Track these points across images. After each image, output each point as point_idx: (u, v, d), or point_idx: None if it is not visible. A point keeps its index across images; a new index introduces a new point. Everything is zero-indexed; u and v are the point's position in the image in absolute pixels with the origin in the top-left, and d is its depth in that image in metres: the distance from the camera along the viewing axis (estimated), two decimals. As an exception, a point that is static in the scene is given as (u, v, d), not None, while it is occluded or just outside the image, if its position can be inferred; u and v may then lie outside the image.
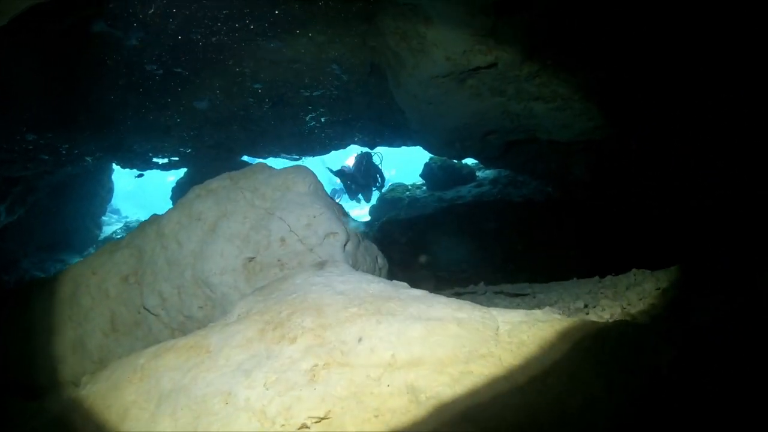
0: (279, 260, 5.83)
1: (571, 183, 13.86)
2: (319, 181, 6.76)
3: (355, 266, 6.21)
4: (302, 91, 13.32)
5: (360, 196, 20.01)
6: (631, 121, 10.47)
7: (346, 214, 7.25)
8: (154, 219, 6.95)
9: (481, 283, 8.99)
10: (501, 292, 8.08)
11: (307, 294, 4.21)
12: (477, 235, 10.16)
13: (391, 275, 7.42)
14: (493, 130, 11.85)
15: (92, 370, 6.40)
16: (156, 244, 6.56)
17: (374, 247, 7.14)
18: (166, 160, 17.60)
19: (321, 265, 5.28)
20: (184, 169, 19.81)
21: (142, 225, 7.06)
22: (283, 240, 5.91)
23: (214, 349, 3.87)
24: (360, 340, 3.43)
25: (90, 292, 6.65)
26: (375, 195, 19.88)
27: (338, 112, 14.70)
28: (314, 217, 6.04)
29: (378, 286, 4.31)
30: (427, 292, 4.31)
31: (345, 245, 6.07)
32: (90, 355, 6.47)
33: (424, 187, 19.62)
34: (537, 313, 3.65)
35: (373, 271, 6.75)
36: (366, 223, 18.17)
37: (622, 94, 9.80)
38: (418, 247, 10.53)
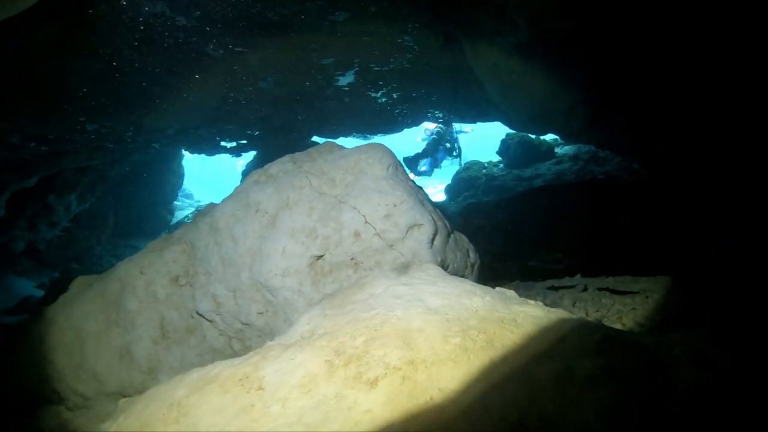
0: (353, 259, 4.76)
1: (658, 158, 12.50)
2: (399, 162, 5.63)
3: (444, 264, 5.11)
4: (372, 65, 12.20)
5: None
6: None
7: (430, 201, 6.11)
8: (209, 209, 5.93)
9: (578, 275, 7.82)
10: (606, 289, 6.90)
11: (390, 312, 3.13)
12: (569, 220, 8.93)
13: (481, 270, 6.35)
14: (581, 101, 10.55)
15: (141, 380, 5.50)
16: (209, 240, 5.54)
17: (464, 238, 6.01)
18: (234, 144, 16.77)
19: (405, 268, 4.18)
20: (254, 153, 18.93)
21: (196, 217, 6.06)
22: (357, 234, 4.84)
23: (268, 386, 2.85)
24: (466, 390, 2.32)
25: (137, 294, 5.69)
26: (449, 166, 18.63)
27: (410, 87, 13.54)
28: (395, 205, 4.94)
29: (483, 300, 3.21)
30: (546, 309, 3.15)
31: (433, 240, 4.96)
32: (138, 364, 5.54)
33: (501, 165, 18.41)
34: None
35: (464, 269, 5.62)
36: (443, 204, 17.07)
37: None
38: (505, 234, 9.35)
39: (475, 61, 10.34)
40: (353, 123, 15.43)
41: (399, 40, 11.29)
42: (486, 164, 18.87)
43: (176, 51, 10.55)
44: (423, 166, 17.66)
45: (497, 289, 3.71)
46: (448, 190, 18.50)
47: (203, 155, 18.24)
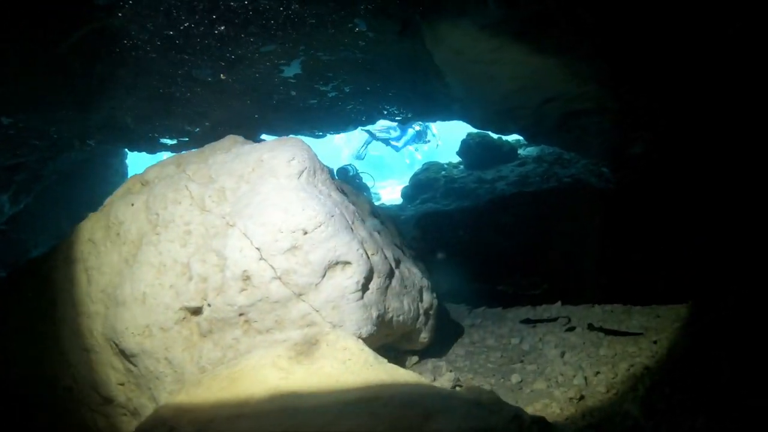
0: (242, 314, 3.07)
1: (630, 162, 10.95)
2: (321, 165, 3.84)
3: (384, 320, 3.37)
4: (320, 54, 10.37)
5: None
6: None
7: (375, 213, 4.35)
8: (73, 230, 4.05)
9: (558, 303, 6.15)
10: (600, 329, 5.24)
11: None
12: (547, 236, 7.19)
13: (440, 304, 4.66)
14: (554, 98, 8.96)
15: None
16: (63, 273, 3.68)
17: (416, 272, 4.28)
18: (175, 141, 14.84)
19: (309, 346, 2.44)
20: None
21: (59, 244, 4.19)
22: (247, 277, 3.05)
23: None
24: None
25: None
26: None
27: (364, 80, 11.77)
28: (305, 232, 3.25)
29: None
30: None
31: (365, 286, 3.20)
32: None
33: (461, 167, 16.77)
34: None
35: (415, 321, 3.96)
36: (398, 208, 15.34)
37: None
38: (470, 251, 7.59)
39: (436, 48, 8.64)
40: (302, 119, 13.59)
41: (350, 25, 9.51)
42: (445, 165, 17.30)
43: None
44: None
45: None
46: (405, 192, 16.79)
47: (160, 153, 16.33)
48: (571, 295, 6.43)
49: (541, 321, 6.17)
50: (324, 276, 3.36)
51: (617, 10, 6.84)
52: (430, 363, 5.56)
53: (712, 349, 4.34)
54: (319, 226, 3.36)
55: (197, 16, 9.10)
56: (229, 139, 4.19)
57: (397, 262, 4.17)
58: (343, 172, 18.37)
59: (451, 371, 5.18)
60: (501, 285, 6.79)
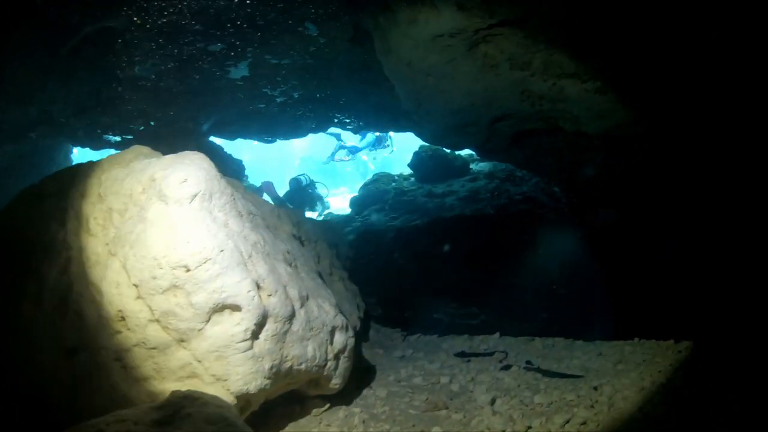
0: (118, 359, 2.47)
1: (580, 183, 10.59)
2: (221, 183, 3.33)
3: (279, 373, 2.84)
4: (269, 57, 9.87)
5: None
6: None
7: (295, 223, 3.86)
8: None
9: (497, 335, 5.70)
10: (538, 369, 4.80)
11: None
12: (488, 263, 6.71)
13: (364, 328, 4.19)
14: (505, 115, 8.62)
15: None
16: None
17: (329, 309, 3.74)
18: (119, 138, 14.11)
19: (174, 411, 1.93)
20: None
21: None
22: (122, 317, 2.53)
23: None
24: None
25: None
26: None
27: (314, 86, 11.26)
28: (187, 269, 2.67)
29: None
30: None
31: (254, 335, 2.69)
32: None
33: (413, 179, 16.30)
34: None
35: (321, 369, 3.44)
36: (345, 219, 14.80)
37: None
38: (406, 275, 7.08)
39: (386, 58, 8.18)
40: (249, 123, 13.01)
41: (300, 29, 9.01)
42: (396, 177, 16.82)
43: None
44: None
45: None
46: (354, 202, 16.27)
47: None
48: (511, 327, 6.00)
49: (477, 355, 5.73)
50: (209, 321, 2.89)
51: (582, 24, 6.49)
52: (342, 411, 4.98)
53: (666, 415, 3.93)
54: (205, 262, 2.87)
55: (142, 11, 8.58)
56: (133, 151, 3.66)
57: (305, 300, 3.68)
58: (296, 182, 18.04)
59: (364, 421, 4.65)
60: (437, 313, 6.33)
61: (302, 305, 3.59)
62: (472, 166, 16.10)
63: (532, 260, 6.24)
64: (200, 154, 3.52)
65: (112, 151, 15.09)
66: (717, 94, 6.76)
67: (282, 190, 18.40)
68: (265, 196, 17.78)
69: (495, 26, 6.51)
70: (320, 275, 4.43)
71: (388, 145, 21.21)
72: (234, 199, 3.54)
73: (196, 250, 2.90)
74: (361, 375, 5.59)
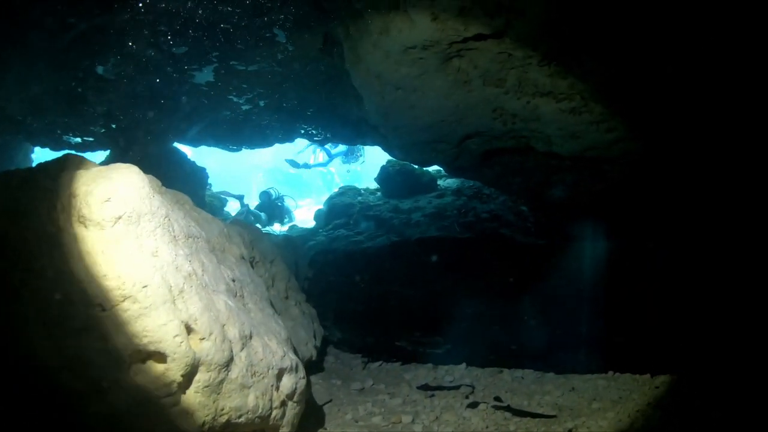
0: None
1: (549, 203, 10.40)
2: (154, 203, 2.89)
3: (212, 426, 2.42)
4: (235, 63, 9.47)
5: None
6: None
7: (248, 244, 3.44)
8: None
9: (463, 365, 5.33)
10: (507, 408, 4.41)
11: None
12: (454, 289, 6.29)
13: (322, 355, 3.77)
14: (476, 133, 8.29)
15: None
16: None
17: (275, 348, 3.32)
18: (79, 140, 13.53)
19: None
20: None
21: None
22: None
23: None
24: None
25: None
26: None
27: (280, 95, 10.84)
28: (101, 308, 2.21)
29: None
30: None
31: (182, 387, 2.30)
32: None
33: (379, 194, 15.90)
34: None
35: (267, 417, 3.02)
36: (308, 233, 14.32)
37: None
38: (367, 299, 6.61)
39: (355, 69, 7.79)
40: (214, 130, 12.54)
41: (268, 35, 8.61)
42: (362, 191, 16.40)
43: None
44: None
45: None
46: (319, 215, 15.82)
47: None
48: (479, 357, 5.61)
49: (441, 389, 5.34)
50: (129, 370, 2.45)
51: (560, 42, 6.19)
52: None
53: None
54: (124, 300, 2.45)
55: (105, 9, 8.14)
56: (62, 160, 3.19)
57: (247, 339, 3.24)
58: (266, 195, 18.02)
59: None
60: (400, 341, 5.92)
61: (243, 346, 3.13)
62: (439, 182, 15.76)
63: (500, 288, 5.85)
64: (133, 167, 3.05)
65: (73, 153, 14.56)
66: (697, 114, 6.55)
67: (250, 201, 18.24)
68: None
69: (470, 40, 6.16)
70: (272, 304, 4.01)
71: (360, 156, 20.99)
72: (169, 220, 3.07)
73: (114, 286, 2.46)
74: (315, 414, 5.09)
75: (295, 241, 6.95)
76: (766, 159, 6.94)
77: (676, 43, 6.04)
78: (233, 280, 3.63)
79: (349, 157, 20.90)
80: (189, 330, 2.75)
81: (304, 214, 20.58)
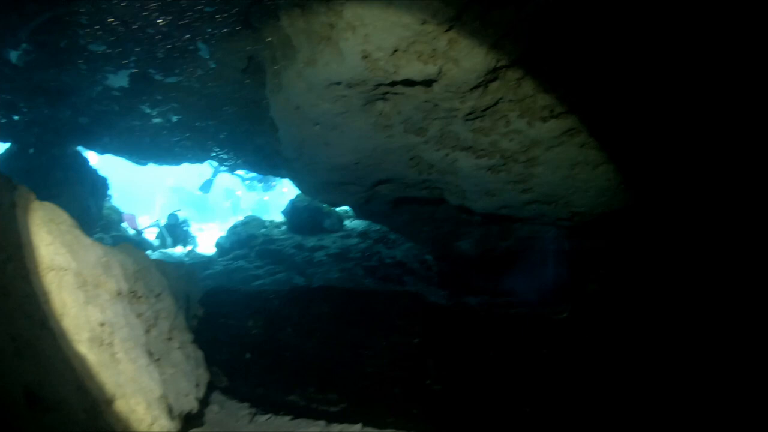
0: None
1: (455, 255, 10.43)
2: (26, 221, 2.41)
3: None
4: (153, 71, 8.94)
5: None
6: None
7: (130, 277, 2.97)
8: None
9: (358, 426, 4.95)
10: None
11: None
12: (354, 342, 5.85)
13: (205, 404, 3.29)
14: (390, 179, 8.03)
15: None
16: None
17: (143, 418, 2.84)
18: (-26, 128, 12.52)
19: None
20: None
21: None
22: None
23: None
24: None
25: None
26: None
27: (195, 114, 10.28)
28: None
29: None
30: None
31: None
32: None
33: (284, 227, 15.44)
34: None
35: None
36: (207, 261, 13.69)
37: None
38: (258, 349, 6.07)
39: (275, 97, 7.40)
40: (123, 139, 11.80)
41: (191, 47, 8.13)
42: (267, 223, 16.01)
43: None
44: None
45: None
46: (220, 243, 15.24)
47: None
48: (376, 418, 5.20)
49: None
50: None
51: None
52: None
53: None
54: None
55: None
56: None
57: (108, 405, 2.73)
58: (173, 218, 17.76)
59: None
60: (293, 394, 5.45)
61: (97, 415, 2.61)
62: (346, 222, 15.54)
63: (404, 348, 5.48)
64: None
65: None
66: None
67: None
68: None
69: (398, 84, 5.88)
70: (149, 351, 3.51)
71: (275, 185, 20.78)
72: (23, 250, 2.55)
73: None
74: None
75: (191, 269, 6.41)
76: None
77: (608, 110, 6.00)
78: (102, 324, 3.10)
79: (265, 184, 20.68)
80: (30, 402, 2.23)
81: (208, 238, 19.90)
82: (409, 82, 5.80)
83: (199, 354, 4.99)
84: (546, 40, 5.33)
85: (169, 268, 5.41)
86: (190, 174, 20.88)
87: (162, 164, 13.51)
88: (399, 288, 11.84)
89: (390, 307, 5.73)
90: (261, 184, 20.80)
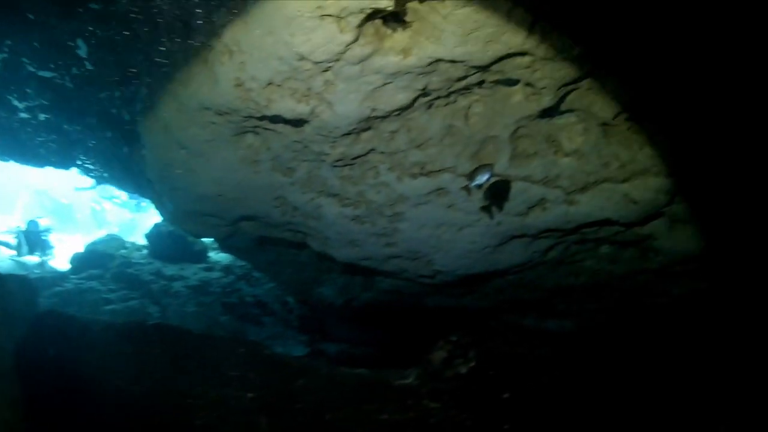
0: None
1: (317, 300, 10.18)
2: None
3: None
4: (26, 60, 8.32)
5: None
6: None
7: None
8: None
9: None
10: None
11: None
12: (184, 390, 5.35)
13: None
14: (254, 216, 7.71)
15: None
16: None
17: None
18: None
19: None
20: None
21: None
22: None
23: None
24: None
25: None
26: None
27: (64, 116, 9.62)
28: None
29: None
30: None
31: None
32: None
33: (146, 251, 14.68)
34: None
35: None
36: (57, 277, 12.75)
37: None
38: (88, 390, 5.42)
39: (146, 113, 6.96)
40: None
41: (70, 43, 7.62)
42: (128, 244, 15.20)
43: None
44: None
45: None
46: (75, 259, 14.30)
47: None
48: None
49: None
50: None
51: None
52: None
53: None
54: None
55: None
56: None
57: None
58: (34, 224, 17.04)
59: None
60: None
61: None
62: (211, 254, 14.97)
63: (236, 402, 5.04)
64: None
65: None
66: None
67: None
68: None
69: (269, 119, 5.63)
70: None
71: (145, 205, 20.02)
72: None
73: None
74: None
75: (31, 285, 5.79)
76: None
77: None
78: None
79: (137, 204, 19.96)
80: None
81: (66, 251, 18.66)
82: (280, 119, 5.56)
83: (16, 394, 4.41)
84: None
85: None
86: (60, 178, 19.59)
87: (24, 163, 12.56)
88: (257, 329, 11.49)
89: (228, 356, 5.35)
90: (134, 202, 20.04)
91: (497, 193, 5.93)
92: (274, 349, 10.51)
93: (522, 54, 4.66)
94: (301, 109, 5.29)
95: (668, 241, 6.40)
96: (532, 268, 7.36)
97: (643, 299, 7.65)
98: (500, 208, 6.12)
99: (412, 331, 10.13)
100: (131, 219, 22.77)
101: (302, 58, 4.79)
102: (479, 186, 5.28)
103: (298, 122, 5.57)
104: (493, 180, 5.39)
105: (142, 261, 13.82)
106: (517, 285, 7.88)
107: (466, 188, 5.51)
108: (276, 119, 5.60)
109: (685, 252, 6.48)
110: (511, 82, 5.11)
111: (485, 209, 6.20)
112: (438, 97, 5.32)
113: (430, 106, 5.44)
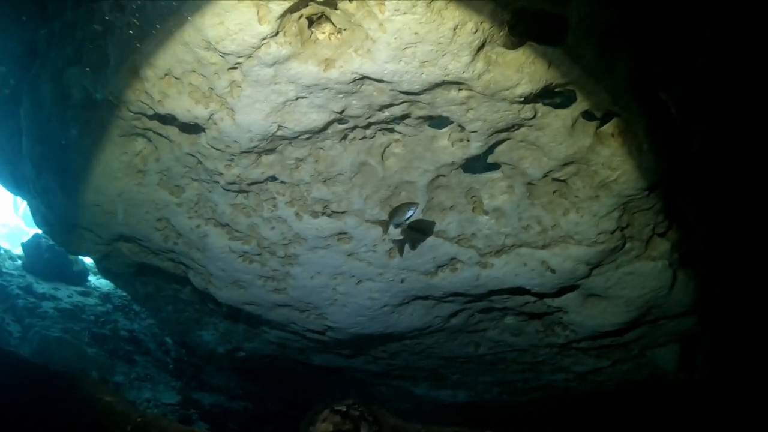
0: None
1: (197, 345, 9.34)
2: None
3: None
4: None
5: None
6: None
7: None
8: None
9: None
10: None
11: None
12: None
13: None
14: (133, 238, 6.72)
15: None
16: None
17: None
18: None
19: None
20: None
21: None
22: None
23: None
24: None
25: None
26: None
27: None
28: None
29: None
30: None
31: None
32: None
33: (20, 262, 13.25)
34: None
35: None
36: None
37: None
38: None
39: (29, 93, 5.95)
40: None
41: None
42: (1, 251, 13.70)
43: None
44: None
45: None
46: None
47: None
48: None
49: None
50: None
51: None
52: None
53: None
54: None
55: None
56: None
57: None
58: None
59: None
60: None
61: None
62: (91, 278, 13.64)
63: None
64: None
65: None
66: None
67: None
68: None
69: (160, 118, 4.76)
70: None
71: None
72: None
73: None
74: None
75: None
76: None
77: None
78: None
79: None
80: None
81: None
82: (174, 121, 4.68)
83: None
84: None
85: None
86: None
87: None
88: (126, 367, 10.33)
89: (74, 404, 4.24)
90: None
91: (411, 237, 5.24)
92: (140, 394, 9.44)
93: (459, 84, 3.98)
94: (198, 111, 4.44)
95: (578, 316, 5.96)
96: (430, 333, 6.78)
97: (542, 375, 7.27)
98: (402, 254, 5.43)
99: (298, 387, 9.52)
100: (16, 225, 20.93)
101: (209, 46, 3.95)
102: (398, 225, 4.51)
103: (193, 128, 4.71)
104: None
105: (12, 272, 12.44)
106: (411, 351, 7.29)
107: (384, 224, 4.70)
108: (169, 120, 4.73)
109: (594, 329, 6.04)
110: (440, 123, 4.46)
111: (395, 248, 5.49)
112: (355, 127, 4.60)
113: (344, 137, 4.72)
